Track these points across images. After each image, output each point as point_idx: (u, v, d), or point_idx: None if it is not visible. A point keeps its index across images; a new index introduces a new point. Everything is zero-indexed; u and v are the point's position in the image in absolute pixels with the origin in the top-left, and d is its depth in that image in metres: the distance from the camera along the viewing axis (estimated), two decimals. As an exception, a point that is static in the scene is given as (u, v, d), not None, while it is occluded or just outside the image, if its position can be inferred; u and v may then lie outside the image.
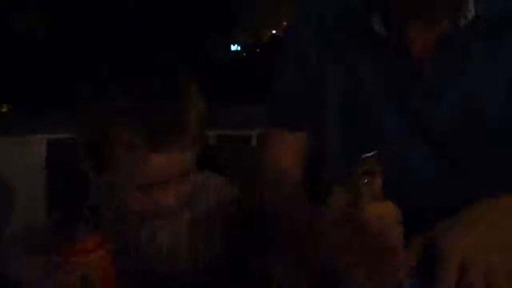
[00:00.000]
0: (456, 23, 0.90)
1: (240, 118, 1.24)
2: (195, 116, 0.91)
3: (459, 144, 0.95)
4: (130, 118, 0.84)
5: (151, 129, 0.83)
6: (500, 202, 0.77)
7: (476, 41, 0.91)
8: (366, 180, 0.69)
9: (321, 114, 1.05)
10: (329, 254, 0.70)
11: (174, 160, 0.88)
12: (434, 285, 0.71)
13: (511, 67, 0.92)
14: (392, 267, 0.69)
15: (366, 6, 0.94)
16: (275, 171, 1.05)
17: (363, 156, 0.71)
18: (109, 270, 0.74)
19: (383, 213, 0.69)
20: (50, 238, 0.81)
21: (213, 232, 0.97)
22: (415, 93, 0.95)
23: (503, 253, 0.70)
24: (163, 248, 0.97)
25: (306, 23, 1.05)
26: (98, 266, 0.72)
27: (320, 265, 0.72)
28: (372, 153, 0.71)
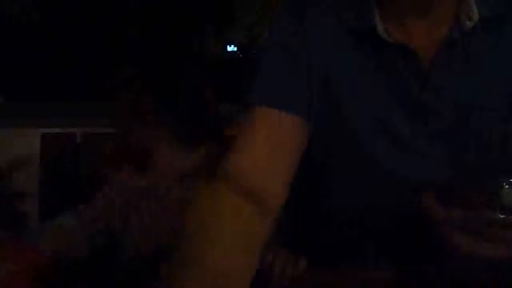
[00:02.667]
0: (460, 25, 0.90)
1: (236, 118, 1.24)
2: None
3: (462, 144, 0.95)
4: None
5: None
6: None
7: (481, 43, 0.91)
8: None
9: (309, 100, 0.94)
10: None
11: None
12: None
13: None
14: None
15: (367, 5, 0.92)
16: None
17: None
18: None
19: None
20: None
21: None
22: (421, 94, 0.94)
23: None
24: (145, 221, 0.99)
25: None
26: None
27: None
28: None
